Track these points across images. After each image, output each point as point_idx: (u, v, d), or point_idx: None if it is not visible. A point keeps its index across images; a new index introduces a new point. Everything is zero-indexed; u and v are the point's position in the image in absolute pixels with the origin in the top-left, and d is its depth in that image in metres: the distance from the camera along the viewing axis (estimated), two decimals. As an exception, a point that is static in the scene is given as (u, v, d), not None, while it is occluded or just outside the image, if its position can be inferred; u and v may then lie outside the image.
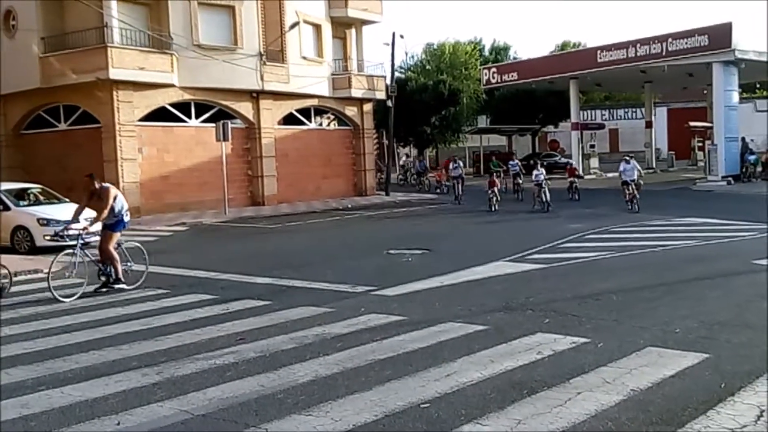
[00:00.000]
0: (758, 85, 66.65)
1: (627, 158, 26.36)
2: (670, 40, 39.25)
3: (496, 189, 27.24)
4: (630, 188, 24.38)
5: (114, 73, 26.02)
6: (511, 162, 35.84)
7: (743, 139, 39.60)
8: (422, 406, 6.18)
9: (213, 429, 5.87)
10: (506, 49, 70.34)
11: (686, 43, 38.42)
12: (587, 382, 6.65)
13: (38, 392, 6.89)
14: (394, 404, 6.21)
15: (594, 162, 49.43)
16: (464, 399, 6.31)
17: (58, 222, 18.57)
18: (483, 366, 7.24)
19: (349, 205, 31.40)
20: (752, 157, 39.13)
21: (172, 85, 28.35)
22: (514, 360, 7.43)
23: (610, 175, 46.22)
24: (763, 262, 13.11)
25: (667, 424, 5.61)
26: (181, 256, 17.29)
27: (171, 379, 7.21)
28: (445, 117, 54.25)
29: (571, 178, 30.58)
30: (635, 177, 24.70)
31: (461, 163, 35.07)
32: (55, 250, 17.90)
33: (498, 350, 7.84)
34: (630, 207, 24.01)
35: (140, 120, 27.73)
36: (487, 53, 67.79)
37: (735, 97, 39.44)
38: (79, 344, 8.72)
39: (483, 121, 62.36)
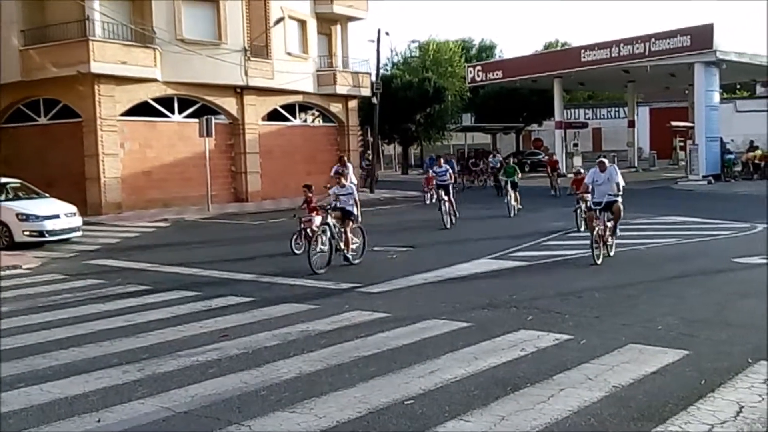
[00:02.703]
0: (739, 86, 67.25)
1: (603, 159, 14.68)
2: (652, 40, 39.47)
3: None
4: (600, 221, 13.49)
5: (95, 67, 25.81)
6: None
7: (721, 139, 39.88)
8: (406, 402, 6.18)
9: (195, 426, 5.84)
10: (492, 48, 70.55)
11: (669, 44, 38.65)
12: (570, 378, 6.68)
13: (17, 389, 6.82)
14: (378, 401, 6.21)
15: (577, 160, 49.59)
16: (448, 395, 6.32)
17: (37, 217, 18.45)
18: (466, 363, 7.25)
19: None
20: (729, 157, 39.45)
21: (155, 80, 28.16)
22: (498, 357, 7.45)
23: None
24: (743, 260, 13.23)
25: (649, 420, 5.64)
26: (163, 252, 17.19)
27: (152, 376, 7.16)
28: (429, 114, 54.29)
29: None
30: (614, 193, 13.80)
31: (451, 167, 25.07)
32: (34, 246, 17.86)
33: (481, 347, 7.85)
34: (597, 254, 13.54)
35: (122, 115, 27.53)
36: (474, 51, 67.95)
37: (716, 97, 39.73)
38: (59, 341, 8.65)
39: (467, 119, 62.42)
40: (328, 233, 13.83)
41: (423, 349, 7.82)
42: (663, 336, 8.13)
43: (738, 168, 39.90)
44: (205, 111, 29.74)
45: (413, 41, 66.10)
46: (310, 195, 16.55)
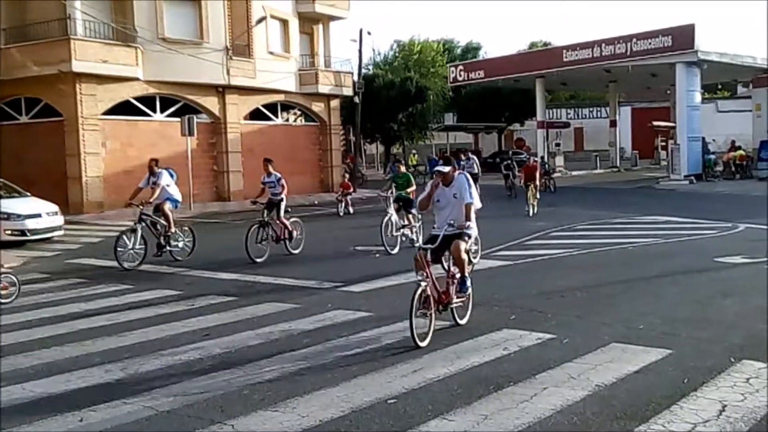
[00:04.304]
0: (720, 86, 67.80)
1: (441, 169, 8.85)
2: (634, 40, 39.71)
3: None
4: (427, 271, 8.39)
5: (77, 66, 25.64)
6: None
7: (703, 138, 40.21)
8: (389, 401, 6.18)
9: (178, 425, 5.80)
10: (477, 48, 70.71)
11: (650, 44, 38.90)
12: (553, 377, 6.70)
13: None
14: (361, 400, 6.20)
15: (559, 160, 49.90)
16: (431, 394, 6.33)
17: (18, 216, 18.30)
18: (449, 362, 7.26)
19: (316, 201, 31.29)
20: (709, 157, 39.79)
21: (137, 79, 28.01)
22: (481, 356, 7.46)
23: (575, 173, 46.81)
24: (725, 260, 13.33)
25: (631, 419, 5.66)
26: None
27: (135, 375, 7.13)
28: (411, 114, 54.31)
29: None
30: (458, 222, 8.78)
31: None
32: (16, 245, 17.70)
33: (464, 346, 7.86)
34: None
35: (104, 113, 27.36)
36: (459, 52, 68.09)
37: (697, 97, 40.03)
38: (41, 340, 8.59)
39: (450, 119, 62.57)
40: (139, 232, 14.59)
41: (406, 348, 7.82)
42: (645, 335, 8.17)
43: (719, 168, 40.24)
44: (187, 110, 29.63)
45: (396, 41, 66.22)
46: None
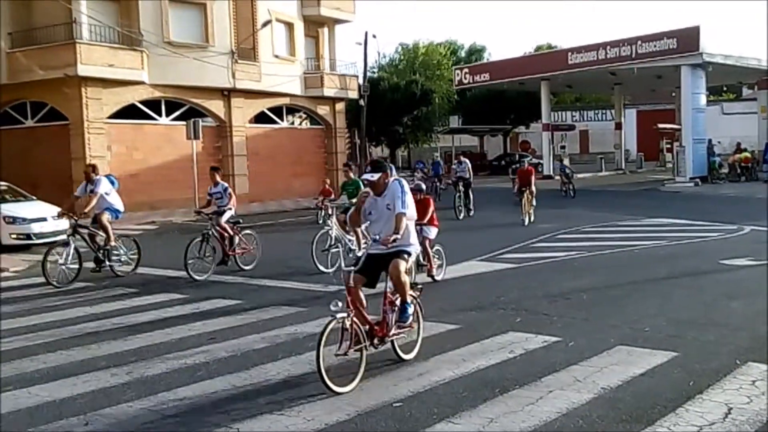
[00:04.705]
0: (725, 88, 67.66)
1: (369, 178, 7.31)
2: (639, 42, 39.63)
3: None
4: (357, 296, 7.15)
5: (82, 70, 25.73)
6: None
7: (710, 141, 40.15)
8: (394, 405, 6.17)
9: (183, 429, 5.81)
10: (481, 50, 70.72)
11: (655, 46, 38.83)
12: (558, 380, 6.69)
13: (5, 392, 6.78)
14: (367, 403, 6.20)
15: (565, 163, 49.76)
16: (436, 398, 6.32)
17: (24, 220, 18.35)
18: (455, 365, 7.25)
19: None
20: (714, 159, 39.70)
21: (142, 83, 28.10)
22: (486, 359, 7.45)
23: (580, 175, 46.68)
24: (730, 262, 13.30)
25: (637, 421, 5.65)
26: (151, 254, 17.07)
27: (141, 379, 7.13)
28: (417, 117, 54.38)
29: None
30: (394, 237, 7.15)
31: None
32: (21, 249, 17.74)
33: (470, 349, 7.86)
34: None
35: (109, 117, 27.45)
36: (462, 54, 68.11)
37: (702, 99, 39.94)
38: (47, 344, 8.60)
39: (455, 122, 62.60)
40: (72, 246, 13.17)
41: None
42: (651, 337, 8.16)
43: (725, 170, 40.14)
44: (193, 114, 29.69)
45: (401, 44, 66.33)
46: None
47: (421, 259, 11.94)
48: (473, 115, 59.85)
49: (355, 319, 6.83)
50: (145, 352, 8.09)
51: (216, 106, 31.33)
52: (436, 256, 12.44)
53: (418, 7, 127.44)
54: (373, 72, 57.90)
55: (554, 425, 5.64)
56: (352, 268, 7.12)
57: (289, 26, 34.77)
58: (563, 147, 52.82)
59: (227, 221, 14.17)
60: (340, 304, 6.69)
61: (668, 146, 53.52)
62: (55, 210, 19.56)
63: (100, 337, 8.86)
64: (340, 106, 38.30)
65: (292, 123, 36.64)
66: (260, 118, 33.90)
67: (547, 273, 13.02)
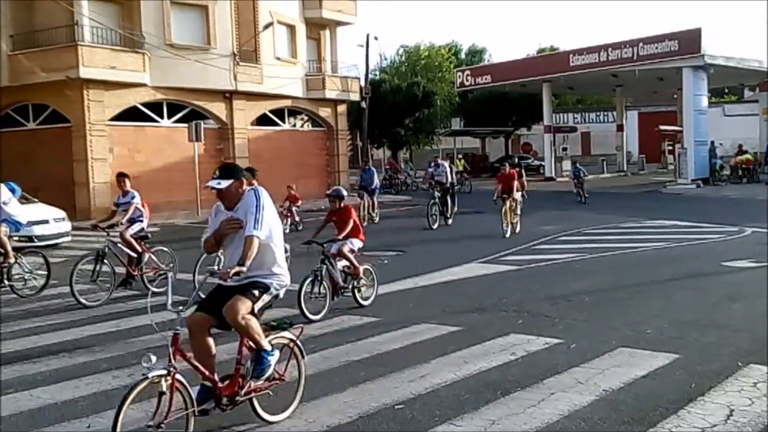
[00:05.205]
0: (727, 90, 67.59)
1: (218, 186, 5.79)
2: (641, 44, 39.65)
3: None
4: (204, 348, 5.78)
5: (84, 72, 25.76)
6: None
7: (712, 142, 40.14)
8: (396, 407, 6.17)
9: None
10: (482, 51, 70.74)
11: (657, 48, 38.84)
12: (560, 382, 6.69)
13: (6, 395, 6.78)
14: (369, 405, 6.20)
15: (566, 165, 49.75)
16: (438, 400, 6.32)
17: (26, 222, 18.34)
18: (457, 367, 7.25)
19: (323, 207, 31.24)
20: (716, 161, 39.68)
21: (144, 85, 28.13)
22: (488, 361, 7.45)
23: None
24: (732, 264, 13.29)
25: (639, 423, 5.65)
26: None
27: (142, 380, 7.11)
28: (418, 119, 54.38)
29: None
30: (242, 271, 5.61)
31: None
32: (20, 251, 17.72)
33: (472, 351, 7.86)
34: None
35: (111, 119, 27.49)
36: (463, 56, 68.14)
37: (704, 101, 39.93)
38: (49, 346, 8.61)
39: (457, 124, 62.57)
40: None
41: (413, 353, 7.82)
42: (653, 339, 8.16)
43: (726, 172, 40.12)
44: (194, 116, 29.71)
45: (402, 46, 66.36)
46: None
47: (341, 281, 10.29)
48: (475, 117, 59.83)
49: (178, 378, 5.22)
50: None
51: (218, 108, 31.36)
52: (364, 278, 10.63)
53: (420, 9, 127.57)
54: (375, 74, 57.95)
55: (556, 427, 5.64)
56: (179, 309, 5.44)
57: (291, 28, 34.81)
58: (565, 149, 52.74)
59: (134, 235, 12.20)
60: (153, 358, 5.09)
61: (670, 148, 53.47)
62: (57, 212, 19.63)
63: (102, 340, 8.86)
64: (341, 108, 38.33)
65: (294, 125, 36.67)
66: (262, 120, 33.93)
67: (548, 275, 13.02)
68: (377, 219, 24.39)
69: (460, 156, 47.57)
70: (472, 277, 12.94)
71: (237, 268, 5.40)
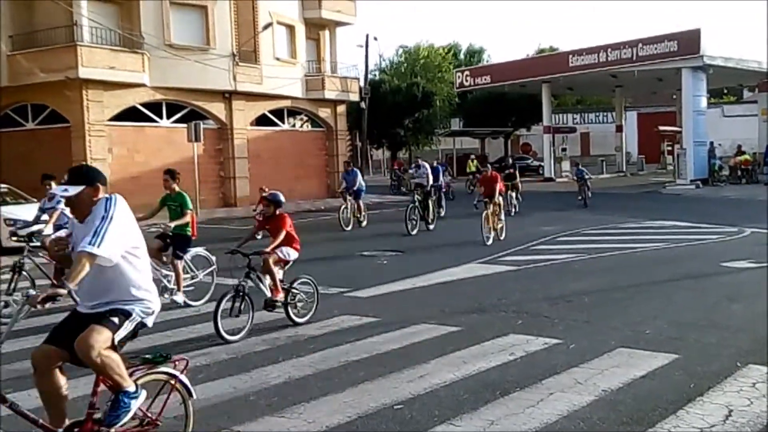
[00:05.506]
0: (726, 91, 67.63)
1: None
2: (640, 45, 39.71)
3: None
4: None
5: (84, 72, 25.75)
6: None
7: (711, 143, 40.18)
8: (395, 407, 6.17)
9: None
10: (481, 52, 70.78)
11: (656, 49, 38.89)
12: (559, 382, 6.69)
13: (6, 395, 6.74)
14: (368, 405, 6.20)
15: (566, 165, 49.80)
16: (437, 400, 6.32)
17: (25, 222, 18.36)
18: (456, 367, 7.25)
19: (322, 207, 31.31)
20: (715, 161, 39.72)
21: (143, 85, 28.12)
22: (487, 361, 7.45)
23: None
24: (732, 264, 13.30)
25: (638, 423, 5.66)
26: (151, 257, 17.09)
27: (141, 380, 7.10)
28: (418, 119, 54.43)
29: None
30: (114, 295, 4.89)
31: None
32: (21, 252, 17.71)
33: (471, 351, 7.85)
34: None
35: (110, 120, 27.47)
36: (462, 56, 68.18)
37: (703, 102, 39.99)
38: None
39: (456, 124, 62.59)
40: None
41: (412, 353, 7.82)
42: (652, 339, 8.16)
43: (725, 172, 40.18)
44: (194, 116, 29.70)
45: (402, 46, 66.40)
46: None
47: (269, 293, 9.39)
48: (474, 117, 59.89)
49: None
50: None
51: (217, 108, 31.35)
52: (299, 291, 9.69)
53: (419, 10, 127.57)
54: (374, 74, 58.00)
55: (555, 427, 5.64)
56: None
57: (290, 28, 34.80)
58: (564, 149, 52.80)
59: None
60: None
61: (669, 149, 53.53)
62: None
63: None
64: (341, 109, 38.32)
65: (294, 125, 36.65)
66: (261, 120, 33.92)
67: (548, 275, 13.02)
68: (365, 222, 22.66)
69: (472, 156, 45.86)
70: (471, 277, 12.94)
71: (51, 291, 4.32)
